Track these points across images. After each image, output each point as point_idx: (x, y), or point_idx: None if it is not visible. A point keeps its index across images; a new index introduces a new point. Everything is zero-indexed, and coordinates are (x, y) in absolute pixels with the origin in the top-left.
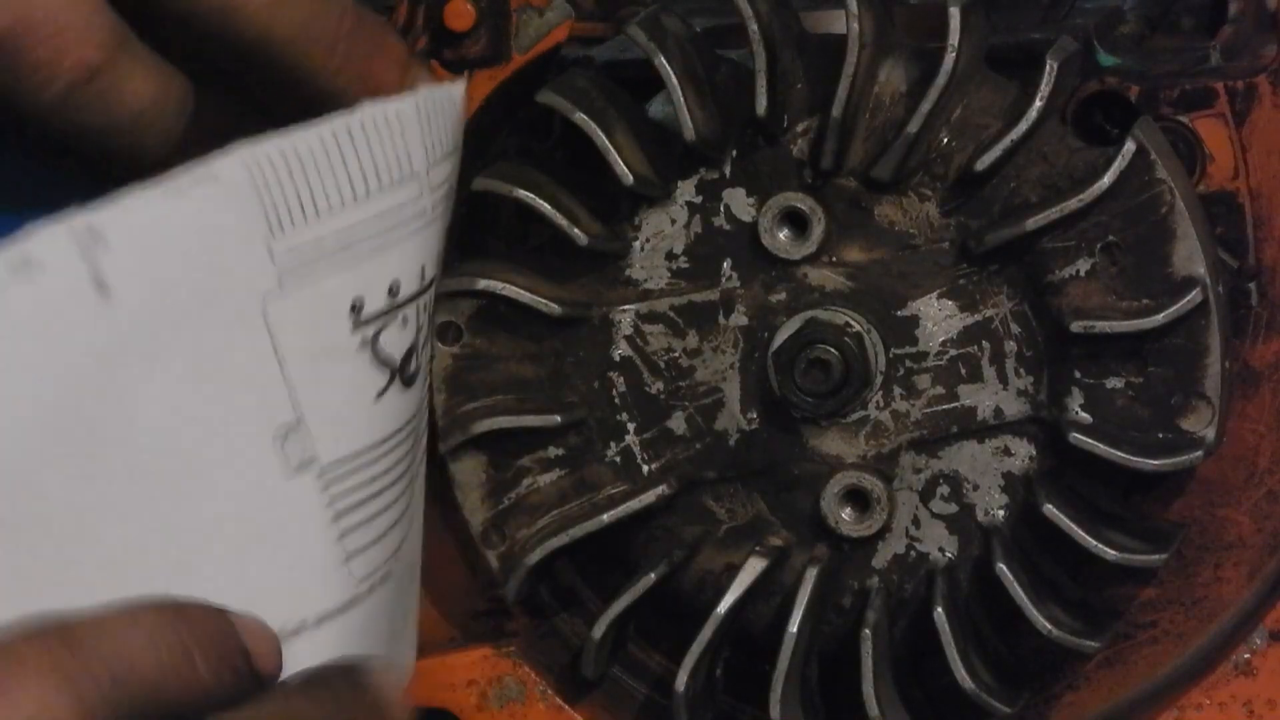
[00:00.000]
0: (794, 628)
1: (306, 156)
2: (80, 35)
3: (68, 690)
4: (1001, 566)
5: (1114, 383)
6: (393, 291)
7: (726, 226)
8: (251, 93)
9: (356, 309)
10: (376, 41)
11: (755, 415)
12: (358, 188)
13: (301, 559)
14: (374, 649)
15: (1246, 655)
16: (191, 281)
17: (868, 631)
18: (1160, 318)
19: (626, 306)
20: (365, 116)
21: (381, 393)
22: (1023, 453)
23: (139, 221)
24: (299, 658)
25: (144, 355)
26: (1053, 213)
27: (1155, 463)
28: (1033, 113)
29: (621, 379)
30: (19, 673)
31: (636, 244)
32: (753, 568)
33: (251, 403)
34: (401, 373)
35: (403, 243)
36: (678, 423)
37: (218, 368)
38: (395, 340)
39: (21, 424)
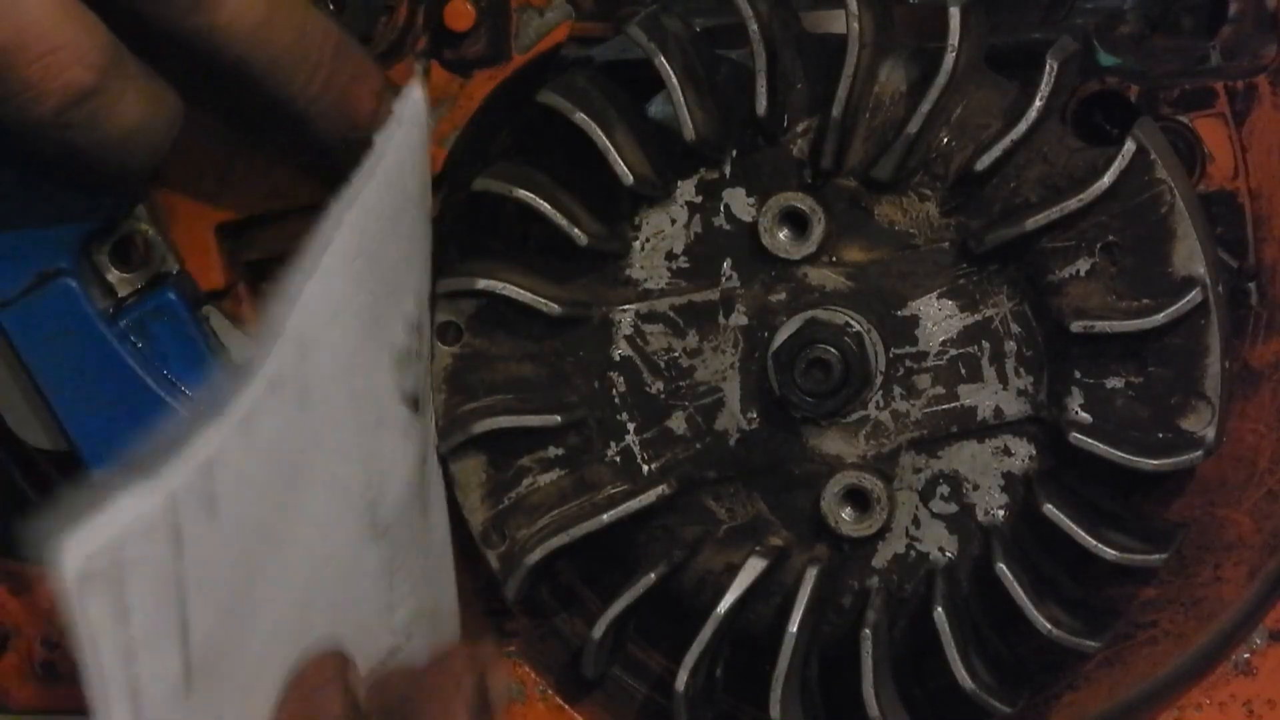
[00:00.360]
0: (794, 628)
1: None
2: (73, 56)
3: None
4: (1001, 566)
5: (1114, 383)
6: (407, 323)
7: (726, 226)
8: (236, 110)
9: (393, 355)
10: (356, 69)
11: (755, 415)
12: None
13: (365, 617)
14: None
15: (1246, 655)
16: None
17: (868, 631)
18: (1160, 318)
19: (626, 306)
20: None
21: (407, 428)
22: (1023, 453)
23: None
24: None
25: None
26: (1053, 213)
27: (1155, 463)
28: (1033, 113)
29: (621, 379)
30: None
31: (636, 244)
32: (753, 568)
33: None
34: (413, 401)
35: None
36: (678, 422)
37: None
38: (412, 374)
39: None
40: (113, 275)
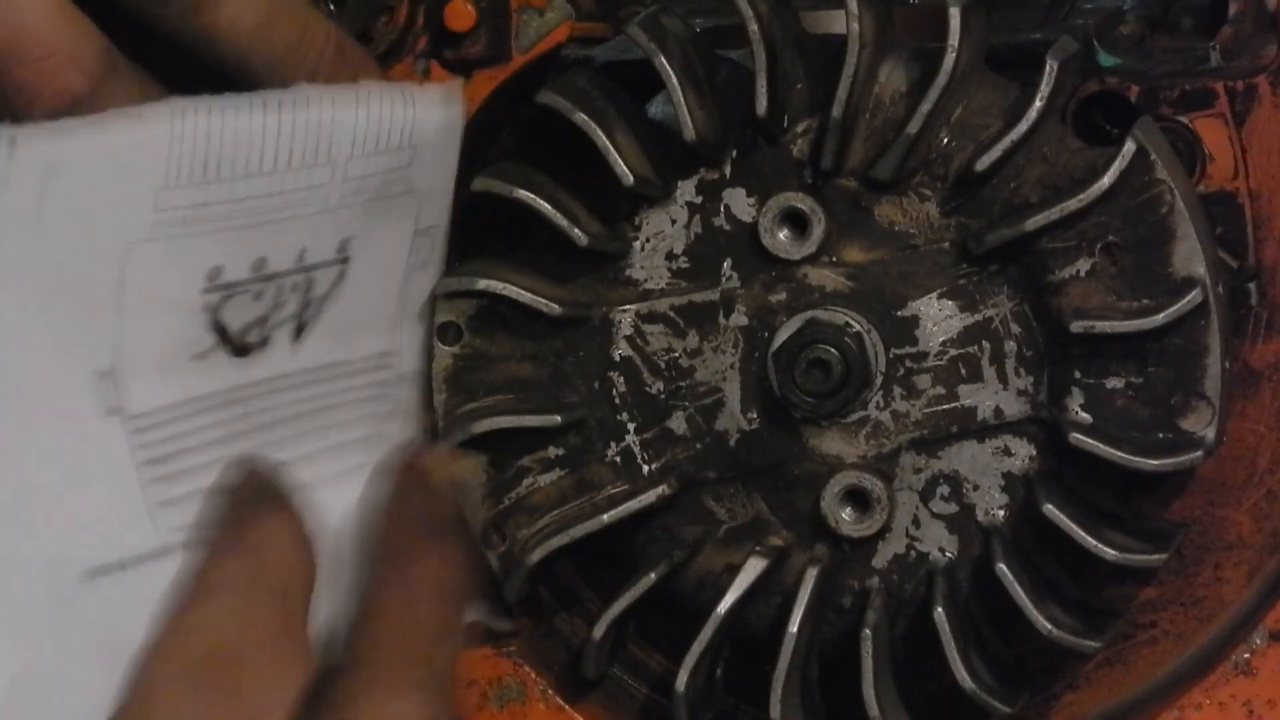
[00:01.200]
0: (794, 628)
1: (230, 121)
2: (68, 61)
3: None
4: (1001, 566)
5: (1114, 383)
6: (257, 266)
7: (726, 226)
8: None
9: (214, 274)
10: (354, 70)
11: (755, 415)
12: (265, 162)
13: (111, 502)
14: None
15: (1246, 655)
16: (75, 209)
17: (868, 631)
18: (1160, 318)
19: (627, 306)
20: (298, 96)
21: (202, 355)
22: (1023, 453)
23: (75, 148)
24: (112, 598)
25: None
26: (1053, 213)
27: (1155, 463)
28: (1033, 113)
29: (622, 379)
30: None
31: (637, 244)
32: (753, 568)
33: (80, 342)
34: (232, 341)
35: (287, 222)
36: (678, 423)
37: (60, 299)
38: (240, 310)
39: None
40: None
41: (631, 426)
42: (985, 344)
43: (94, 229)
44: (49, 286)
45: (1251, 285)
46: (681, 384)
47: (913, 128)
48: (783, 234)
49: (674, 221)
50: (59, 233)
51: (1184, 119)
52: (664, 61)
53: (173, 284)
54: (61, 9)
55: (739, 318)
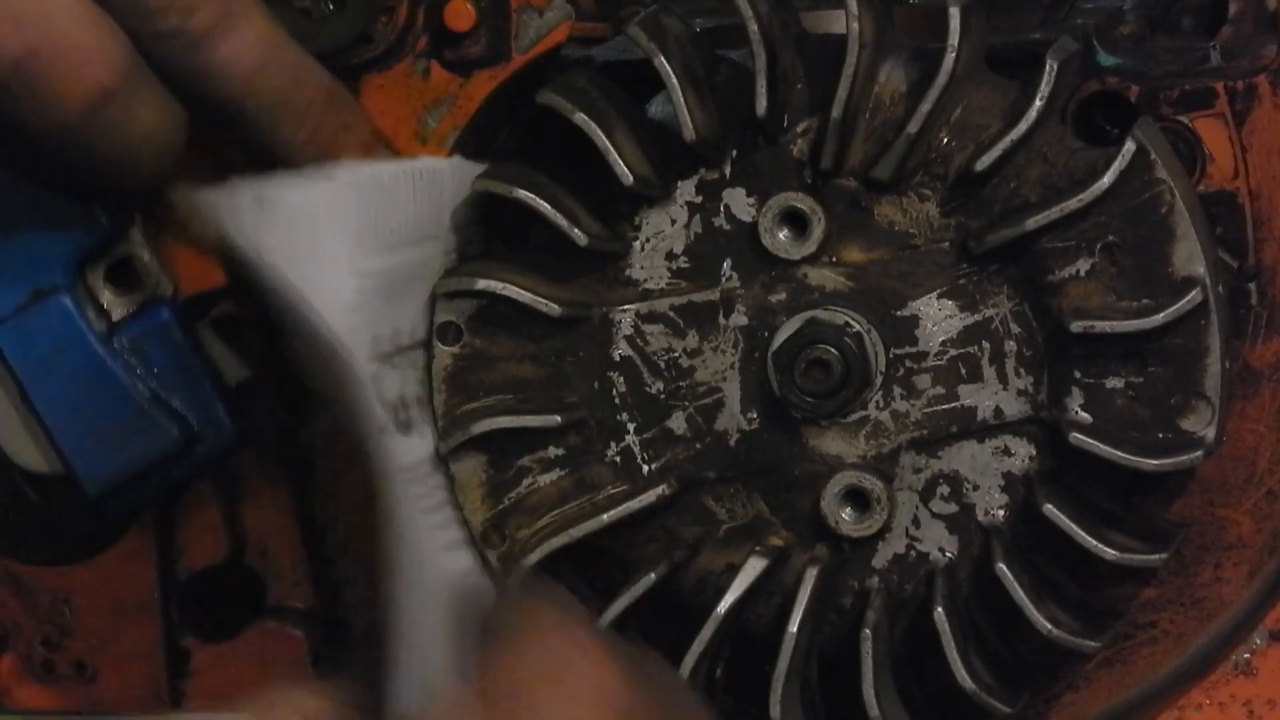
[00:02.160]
0: (794, 628)
1: (389, 186)
2: (97, 58)
3: None
4: (1001, 567)
5: (1114, 383)
6: (394, 339)
7: (726, 226)
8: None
9: (376, 342)
10: (345, 120)
11: (755, 415)
12: (410, 231)
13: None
14: None
15: (1246, 655)
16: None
17: (868, 631)
18: (1160, 318)
19: (627, 306)
20: (427, 167)
21: (382, 429)
22: (1023, 453)
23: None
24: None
25: None
26: (1053, 213)
27: (1155, 463)
28: (1033, 113)
29: (622, 379)
30: None
31: (636, 244)
32: (753, 568)
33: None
34: (397, 415)
35: (407, 298)
36: (678, 423)
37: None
38: (392, 384)
39: None
40: (107, 297)
41: (631, 426)
42: (985, 344)
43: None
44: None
45: (1251, 285)
46: (681, 384)
47: (913, 128)
48: (783, 234)
49: (674, 221)
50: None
51: (1184, 119)
52: (664, 61)
53: (360, 349)
54: (86, 9)
55: (739, 318)
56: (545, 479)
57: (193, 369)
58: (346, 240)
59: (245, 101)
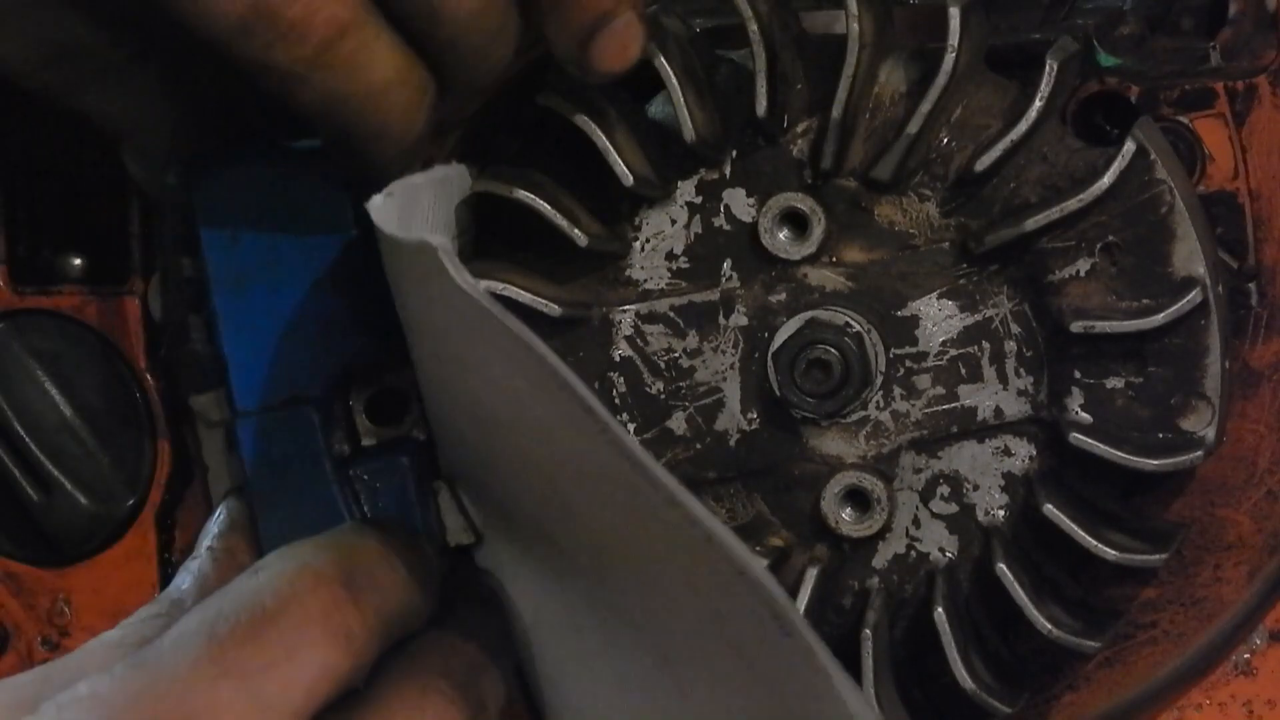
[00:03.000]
0: None
1: (442, 185)
2: None
3: (347, 647)
4: (1002, 567)
5: (1114, 383)
6: None
7: (726, 227)
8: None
9: None
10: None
11: (755, 415)
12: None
13: None
14: None
15: (1246, 655)
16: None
17: (868, 631)
18: (1160, 318)
19: (627, 307)
20: (440, 174)
21: None
22: (1023, 453)
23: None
24: None
25: None
26: (1053, 213)
27: (1155, 463)
28: (1032, 113)
29: (622, 379)
30: (306, 635)
31: (637, 244)
32: None
33: None
34: None
35: None
36: (678, 423)
37: None
38: None
39: None
40: (361, 423)
41: (632, 427)
42: (985, 344)
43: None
44: None
45: (1251, 285)
46: (681, 384)
47: (912, 128)
48: (782, 234)
49: (674, 222)
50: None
51: (1184, 119)
52: (664, 62)
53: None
54: None
55: (739, 318)
56: None
57: (414, 520)
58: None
59: (459, 42)
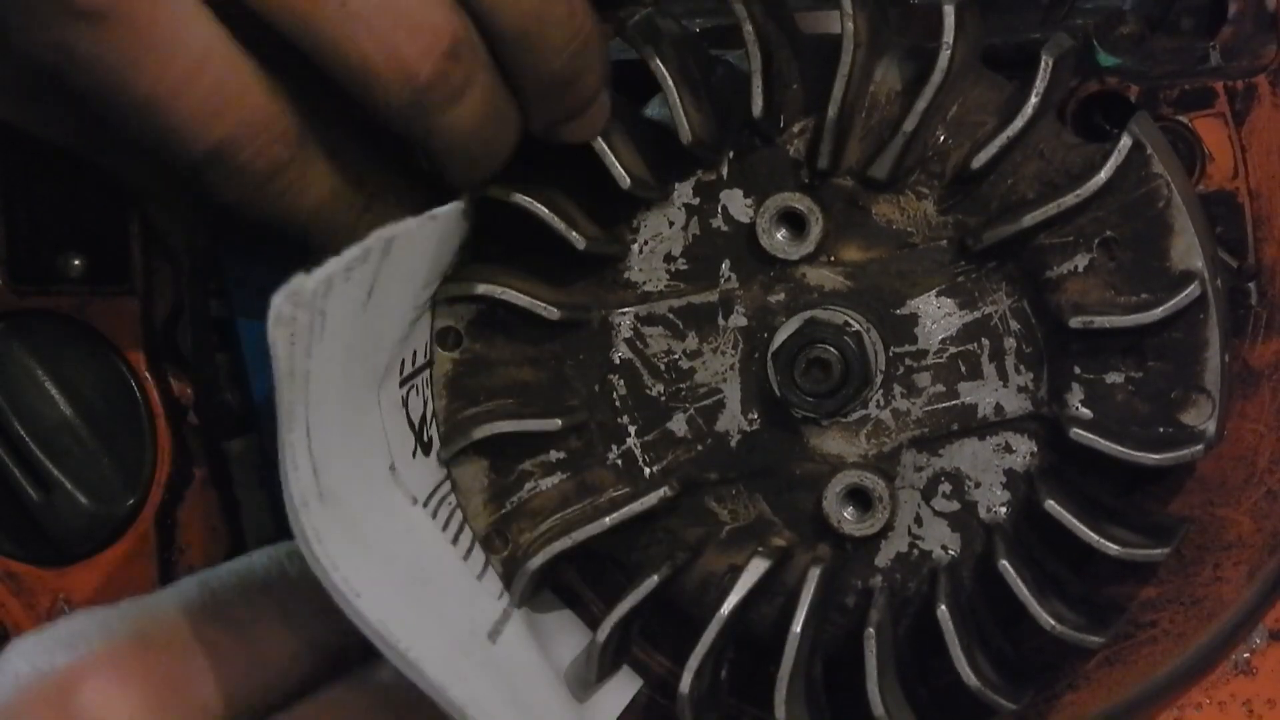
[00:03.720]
0: (798, 628)
1: (430, 234)
2: (272, 136)
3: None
4: (1004, 563)
5: (1114, 378)
6: (414, 360)
7: (724, 228)
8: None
9: (403, 367)
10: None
11: (756, 416)
12: (434, 271)
13: (454, 582)
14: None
15: (1246, 655)
16: (393, 288)
17: (871, 631)
18: (1159, 312)
19: (626, 309)
20: (450, 210)
21: (414, 452)
22: (1024, 449)
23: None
24: (503, 655)
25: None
26: (1050, 209)
27: (1156, 457)
28: (1028, 108)
29: (622, 381)
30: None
31: (635, 246)
32: (756, 569)
33: (377, 434)
34: (420, 437)
35: (421, 323)
36: (678, 424)
37: (365, 389)
38: (415, 406)
39: None
40: None
41: (632, 429)
42: (984, 341)
43: (394, 316)
44: (361, 377)
45: (1251, 285)
46: (681, 386)
47: (909, 125)
48: (780, 234)
49: (671, 223)
50: (374, 317)
51: (1184, 119)
52: (659, 64)
53: (393, 372)
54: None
55: (738, 318)
56: (547, 483)
57: None
58: (423, 266)
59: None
